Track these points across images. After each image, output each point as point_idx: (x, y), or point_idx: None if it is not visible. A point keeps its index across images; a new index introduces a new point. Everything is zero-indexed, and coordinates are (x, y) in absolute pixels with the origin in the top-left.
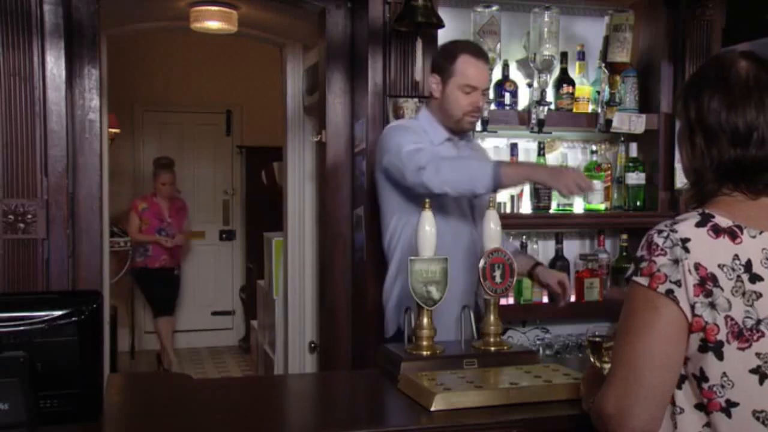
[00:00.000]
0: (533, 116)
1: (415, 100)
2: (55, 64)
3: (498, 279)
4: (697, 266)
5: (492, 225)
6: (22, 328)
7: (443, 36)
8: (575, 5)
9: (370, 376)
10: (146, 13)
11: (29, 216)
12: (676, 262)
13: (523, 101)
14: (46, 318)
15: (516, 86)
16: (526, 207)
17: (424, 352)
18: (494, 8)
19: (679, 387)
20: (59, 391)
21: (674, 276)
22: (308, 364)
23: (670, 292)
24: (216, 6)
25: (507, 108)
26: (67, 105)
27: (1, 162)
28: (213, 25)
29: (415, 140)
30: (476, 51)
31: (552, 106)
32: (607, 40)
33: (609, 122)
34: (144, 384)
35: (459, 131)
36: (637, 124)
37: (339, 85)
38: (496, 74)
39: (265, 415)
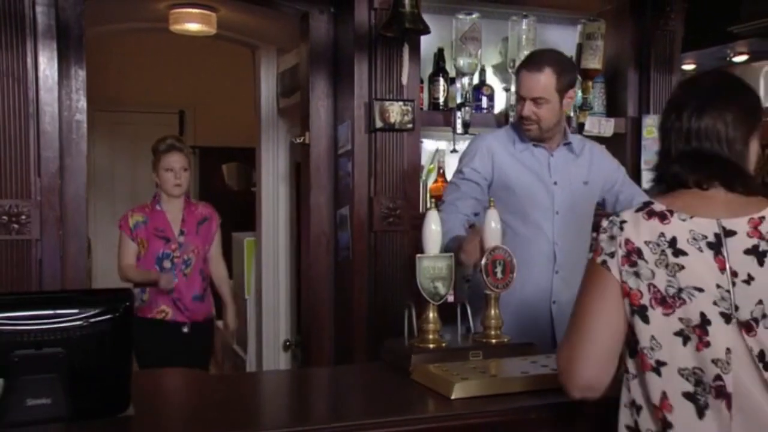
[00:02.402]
0: (510, 119)
1: (401, 103)
2: (47, 65)
3: (499, 275)
4: (627, 241)
5: (492, 224)
6: (61, 325)
7: (425, 42)
8: (547, 14)
9: (377, 369)
10: (125, 15)
11: (23, 217)
12: (612, 238)
13: (499, 105)
14: (83, 315)
15: (492, 90)
16: None
17: (431, 345)
18: (475, 15)
19: (632, 355)
20: (93, 386)
21: (609, 249)
22: (282, 363)
23: (604, 262)
24: (196, 8)
25: (484, 111)
26: (59, 106)
27: None
28: (193, 27)
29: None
30: (526, 61)
31: None
32: (580, 48)
33: (582, 125)
34: (157, 381)
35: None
36: (607, 127)
37: (322, 89)
38: (474, 79)
39: (293, 406)
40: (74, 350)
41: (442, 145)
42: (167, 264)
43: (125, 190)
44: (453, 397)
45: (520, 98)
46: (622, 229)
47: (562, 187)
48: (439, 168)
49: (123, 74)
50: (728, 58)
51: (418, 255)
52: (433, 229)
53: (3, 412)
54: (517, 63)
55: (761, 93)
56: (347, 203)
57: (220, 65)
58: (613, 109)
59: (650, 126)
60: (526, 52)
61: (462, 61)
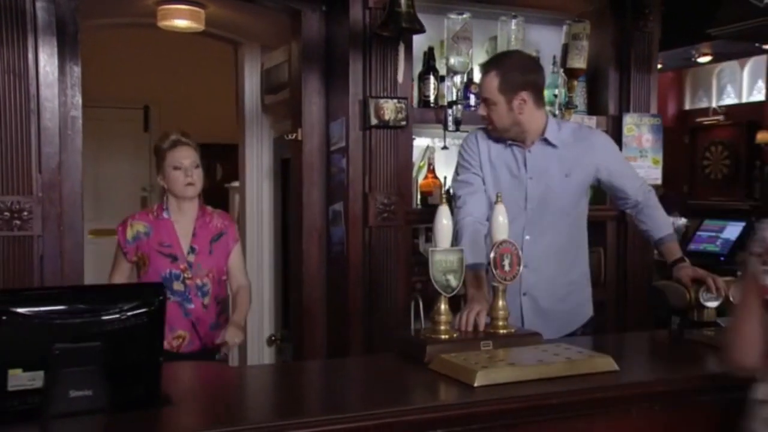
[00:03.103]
0: None
1: (395, 100)
2: (48, 61)
3: (507, 268)
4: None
5: (500, 218)
6: (99, 318)
7: (417, 41)
8: (531, 14)
9: (390, 360)
10: (113, 10)
11: (25, 213)
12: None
13: None
14: (121, 309)
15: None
16: None
17: (443, 336)
18: (467, 15)
19: None
20: (129, 377)
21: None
22: (267, 358)
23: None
24: (185, 5)
25: (472, 109)
26: (59, 102)
27: None
28: (181, 23)
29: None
30: (482, 66)
31: None
32: (566, 48)
33: None
34: (184, 373)
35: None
36: (590, 125)
37: (314, 86)
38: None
39: (326, 395)
40: (111, 343)
41: (432, 142)
42: (178, 286)
43: (88, 188)
44: (476, 384)
45: (482, 99)
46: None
47: (537, 182)
48: (430, 164)
49: (86, 69)
50: (693, 59)
51: (431, 249)
52: (445, 224)
53: (47, 403)
54: None
55: (713, 91)
56: (340, 199)
57: (187, 60)
58: (594, 107)
59: (630, 124)
60: None
61: (454, 60)
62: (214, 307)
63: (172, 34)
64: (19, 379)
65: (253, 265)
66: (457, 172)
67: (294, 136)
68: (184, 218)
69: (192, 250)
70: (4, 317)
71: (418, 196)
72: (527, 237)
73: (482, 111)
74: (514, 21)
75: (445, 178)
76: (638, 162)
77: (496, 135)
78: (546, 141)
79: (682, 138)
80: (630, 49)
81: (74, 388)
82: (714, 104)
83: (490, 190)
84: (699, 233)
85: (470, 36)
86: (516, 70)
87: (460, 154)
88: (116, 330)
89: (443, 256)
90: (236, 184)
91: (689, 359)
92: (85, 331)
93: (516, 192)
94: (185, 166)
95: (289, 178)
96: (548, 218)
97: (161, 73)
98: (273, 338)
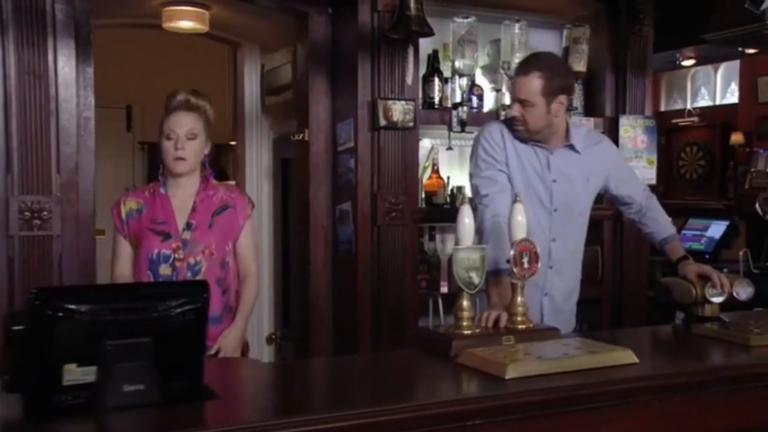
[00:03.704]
0: (501, 117)
1: (403, 102)
2: (66, 63)
3: (526, 265)
4: None
5: (519, 217)
6: (149, 315)
7: (422, 44)
8: (531, 18)
9: (413, 355)
10: (119, 11)
11: (44, 213)
12: None
13: (488, 104)
14: (169, 306)
15: (482, 90)
16: None
17: (466, 331)
18: (472, 19)
19: None
20: (176, 372)
21: None
22: (266, 356)
23: None
24: (190, 6)
25: (474, 110)
26: (77, 103)
27: (17, 159)
28: (186, 24)
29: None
30: (519, 64)
31: None
32: (566, 51)
33: None
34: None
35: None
36: (587, 126)
37: (321, 87)
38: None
39: (368, 388)
40: (160, 339)
41: (436, 143)
42: (165, 270)
43: None
44: (507, 377)
45: (512, 99)
46: None
47: (561, 185)
48: (434, 165)
49: None
50: (677, 62)
51: (454, 247)
52: (467, 223)
53: (102, 397)
54: (510, 65)
55: (687, 94)
56: (348, 198)
57: (169, 60)
58: (591, 109)
59: (627, 125)
60: (518, 55)
61: (460, 63)
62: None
63: (155, 34)
64: (74, 374)
65: None
66: (478, 167)
67: (300, 137)
68: (182, 192)
69: (188, 226)
70: (60, 314)
71: (423, 196)
72: (553, 239)
73: (516, 112)
74: (517, 25)
75: (449, 178)
76: (633, 162)
77: (523, 136)
78: (571, 147)
79: (658, 139)
80: (626, 52)
81: (127, 382)
82: (689, 106)
83: (517, 187)
84: (684, 232)
85: (475, 39)
86: (558, 73)
87: (482, 147)
88: (165, 326)
89: (466, 254)
90: (232, 183)
91: (701, 352)
92: (136, 327)
93: (542, 193)
94: (178, 136)
95: (289, 177)
96: (571, 221)
97: (144, 72)
98: (273, 337)
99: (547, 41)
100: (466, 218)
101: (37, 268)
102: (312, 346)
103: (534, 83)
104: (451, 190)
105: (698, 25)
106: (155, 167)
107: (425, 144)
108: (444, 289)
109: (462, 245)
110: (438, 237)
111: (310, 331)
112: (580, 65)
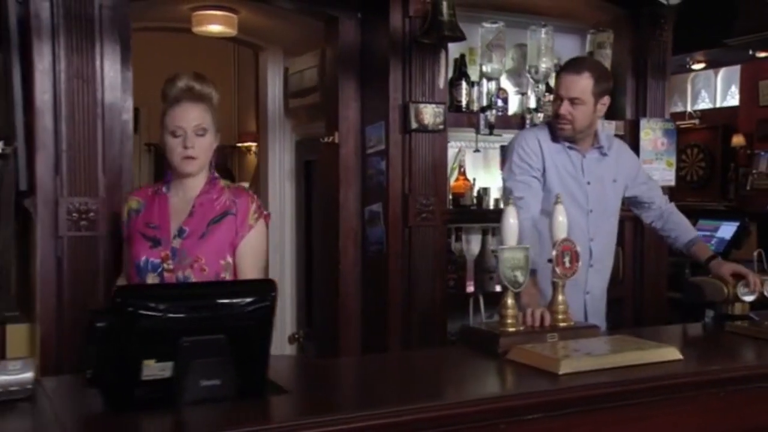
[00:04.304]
0: (527, 121)
1: (434, 105)
2: (111, 67)
3: (567, 264)
4: None
5: (560, 218)
6: (223, 312)
7: (450, 48)
8: (552, 23)
9: (460, 352)
10: (150, 15)
11: (91, 214)
12: None
13: (512, 107)
14: (242, 303)
15: (507, 94)
16: None
17: (511, 329)
18: (500, 24)
19: None
20: (247, 367)
21: None
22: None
23: None
24: (220, 11)
25: (500, 114)
26: (122, 107)
27: (66, 161)
28: (215, 28)
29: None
30: (567, 64)
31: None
32: (591, 56)
33: None
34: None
35: (563, 139)
36: (609, 129)
37: (350, 91)
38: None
39: (434, 384)
40: (233, 335)
41: (463, 145)
42: (153, 279)
43: None
44: (560, 372)
45: (559, 98)
46: None
47: (594, 186)
48: (461, 167)
49: None
50: (688, 65)
51: (500, 247)
52: (512, 223)
53: (181, 392)
54: (537, 70)
55: (688, 96)
56: (378, 200)
57: (175, 62)
58: (612, 112)
59: (647, 128)
60: (544, 59)
61: (488, 67)
62: None
63: (159, 37)
64: (152, 369)
65: (275, 265)
66: (512, 171)
67: (330, 139)
68: (184, 193)
69: (180, 233)
70: (140, 312)
71: (450, 197)
72: (592, 239)
73: (564, 110)
74: (543, 30)
75: (475, 179)
76: (654, 165)
77: (568, 134)
78: (599, 149)
79: None
80: (646, 57)
81: (204, 377)
82: (689, 108)
83: (555, 190)
84: None
85: (503, 44)
86: (604, 76)
87: (517, 154)
88: (237, 323)
89: (511, 254)
90: (245, 185)
91: (737, 348)
92: (210, 324)
93: (579, 195)
94: (185, 133)
95: (312, 179)
96: (605, 221)
97: (150, 76)
98: (296, 336)
99: (570, 46)
100: (511, 219)
101: (84, 268)
102: (341, 345)
103: (586, 82)
104: (478, 192)
105: (713, 30)
106: (161, 169)
107: (452, 146)
108: (470, 289)
109: (507, 245)
110: (464, 237)
111: (338, 330)
112: None
